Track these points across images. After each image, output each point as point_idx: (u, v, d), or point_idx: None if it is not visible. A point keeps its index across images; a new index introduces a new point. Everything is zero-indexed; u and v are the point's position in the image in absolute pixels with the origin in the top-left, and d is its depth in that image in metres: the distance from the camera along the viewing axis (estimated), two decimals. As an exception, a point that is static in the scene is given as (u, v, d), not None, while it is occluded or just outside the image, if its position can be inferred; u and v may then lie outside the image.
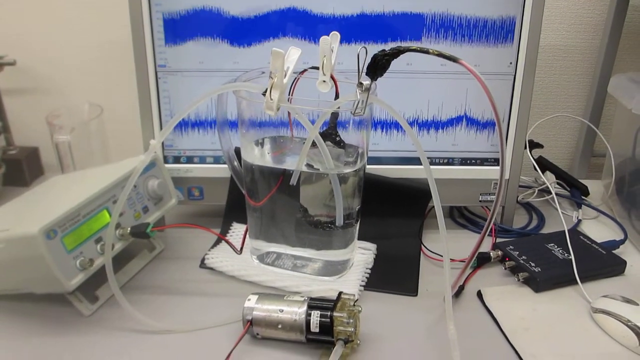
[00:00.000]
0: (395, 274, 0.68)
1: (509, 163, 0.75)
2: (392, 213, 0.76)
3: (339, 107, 0.56)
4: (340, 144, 0.62)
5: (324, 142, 0.60)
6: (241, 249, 0.64)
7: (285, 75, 0.55)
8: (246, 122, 0.61)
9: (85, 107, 0.90)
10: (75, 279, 0.57)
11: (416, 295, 0.65)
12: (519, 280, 0.66)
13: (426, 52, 0.50)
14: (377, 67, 0.52)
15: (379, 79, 0.53)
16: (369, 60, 0.52)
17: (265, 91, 0.54)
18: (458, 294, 0.64)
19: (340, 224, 0.62)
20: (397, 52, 0.51)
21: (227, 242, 0.63)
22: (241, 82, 0.59)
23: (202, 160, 0.77)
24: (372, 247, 0.72)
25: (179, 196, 0.76)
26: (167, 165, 0.75)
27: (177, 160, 0.77)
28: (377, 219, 0.74)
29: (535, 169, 0.87)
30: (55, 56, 0.99)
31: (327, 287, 0.63)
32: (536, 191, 0.90)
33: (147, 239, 0.65)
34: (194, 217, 0.84)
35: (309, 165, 0.61)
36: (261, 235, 0.67)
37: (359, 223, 0.66)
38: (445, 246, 0.53)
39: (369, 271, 0.68)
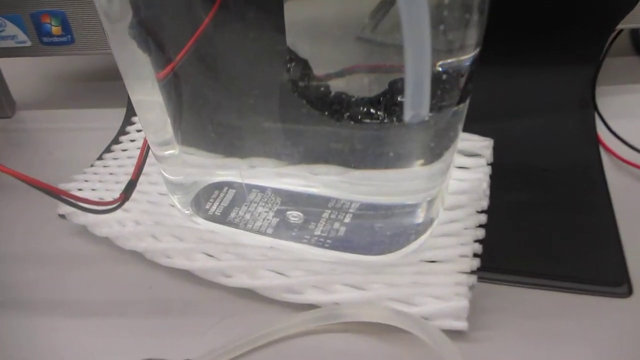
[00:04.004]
0: (551, 220, 0.26)
1: None
2: (532, 48, 0.31)
3: None
4: None
5: None
6: (129, 188, 0.23)
7: None
8: None
9: None
10: None
11: (630, 293, 0.23)
12: None
13: None
14: None
15: None
16: None
17: None
18: None
19: (424, 116, 0.18)
20: None
21: (84, 201, 0.22)
22: None
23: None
24: (486, 146, 0.29)
25: (19, 39, 0.33)
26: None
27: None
28: (500, 65, 0.30)
29: None
30: None
31: (378, 297, 0.22)
32: None
33: None
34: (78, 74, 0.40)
35: None
36: (189, 144, 0.24)
37: (468, 102, 0.22)
38: None
39: (483, 220, 0.25)
